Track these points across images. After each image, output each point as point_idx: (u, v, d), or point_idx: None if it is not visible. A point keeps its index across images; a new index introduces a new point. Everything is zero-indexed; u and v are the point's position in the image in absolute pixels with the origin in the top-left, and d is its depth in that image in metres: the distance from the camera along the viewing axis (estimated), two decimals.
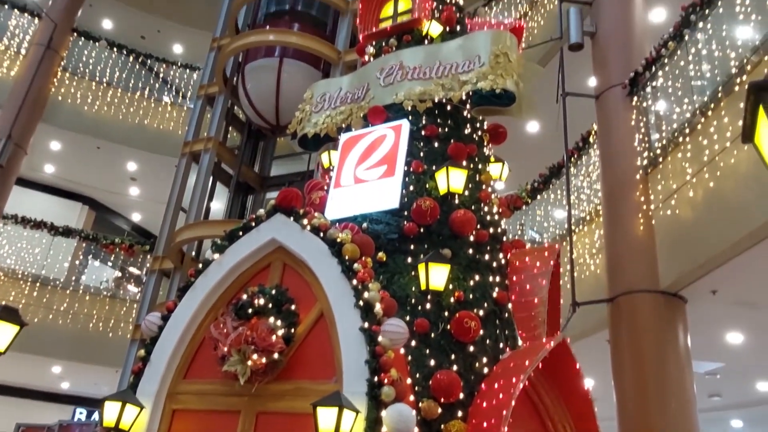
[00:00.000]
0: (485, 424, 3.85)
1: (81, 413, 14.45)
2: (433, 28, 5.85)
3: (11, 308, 4.76)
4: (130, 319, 11.79)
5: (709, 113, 5.95)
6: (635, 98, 7.09)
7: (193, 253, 10.43)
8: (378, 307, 3.48)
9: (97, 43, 13.95)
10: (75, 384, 14.67)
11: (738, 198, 5.50)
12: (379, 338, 3.34)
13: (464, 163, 5.14)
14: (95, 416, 12.91)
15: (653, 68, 6.85)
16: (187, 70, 14.74)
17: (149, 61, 14.45)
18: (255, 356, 3.51)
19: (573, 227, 7.88)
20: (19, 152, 11.15)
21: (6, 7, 13.45)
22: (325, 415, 2.97)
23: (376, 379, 3.23)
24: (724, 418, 12.22)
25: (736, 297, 6.91)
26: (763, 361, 9.18)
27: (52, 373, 13.62)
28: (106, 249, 12.57)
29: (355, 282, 3.57)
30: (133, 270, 14.20)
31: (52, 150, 14.33)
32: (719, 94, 5.81)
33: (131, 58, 14.21)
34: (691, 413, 6.01)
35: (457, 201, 4.92)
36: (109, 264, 13.68)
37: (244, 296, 3.76)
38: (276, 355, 3.53)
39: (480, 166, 5.38)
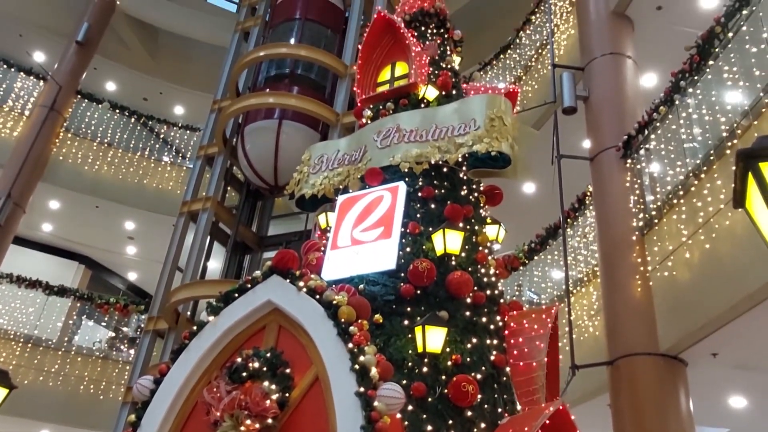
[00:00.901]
0: None
1: None
2: (430, 92, 5.98)
3: (1, 371, 4.69)
4: (122, 381, 11.57)
5: (702, 176, 6.04)
6: (629, 160, 7.20)
7: (189, 314, 10.32)
8: (374, 371, 3.42)
9: (100, 105, 14.22)
10: None
11: (734, 260, 5.51)
12: (375, 403, 3.27)
13: (461, 224, 5.16)
14: None
15: (646, 131, 6.99)
16: (188, 131, 14.99)
17: (150, 122, 14.71)
18: (248, 422, 3.44)
19: (571, 288, 7.86)
20: (18, 211, 11.21)
21: (12, 70, 13.77)
22: None
23: None
24: None
25: (737, 360, 6.83)
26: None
27: None
28: (101, 309, 12.46)
29: (350, 345, 3.53)
30: (126, 330, 14.04)
31: (50, 209, 14.38)
32: (711, 157, 5.91)
33: (133, 119, 14.47)
34: None
35: (453, 262, 4.91)
36: (103, 324, 13.53)
37: (239, 359, 3.71)
38: (270, 421, 3.45)
39: (476, 228, 5.41)
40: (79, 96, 13.81)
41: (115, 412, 9.94)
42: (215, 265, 11.68)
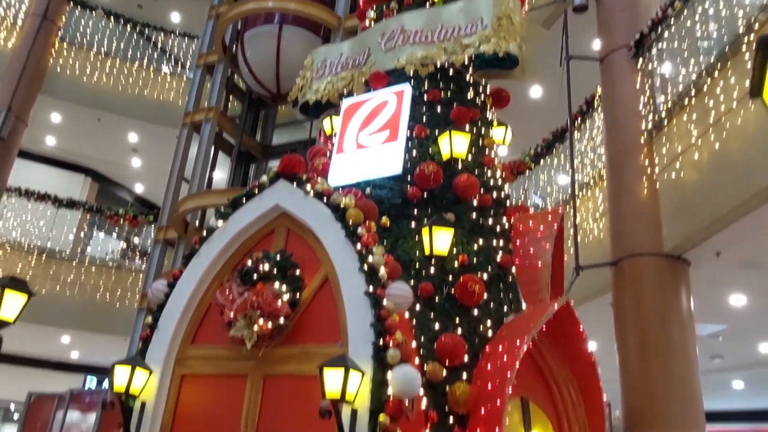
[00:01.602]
0: (490, 386, 3.90)
1: (91, 381, 14.70)
2: None
3: (19, 279, 4.78)
4: (136, 289, 11.88)
5: (716, 74, 5.87)
6: (640, 60, 6.99)
7: (197, 223, 10.45)
8: (382, 271, 3.49)
9: (93, 12, 13.78)
10: (84, 353, 14.87)
11: (744, 159, 5.46)
12: (384, 302, 3.36)
13: (467, 127, 5.11)
14: (105, 384, 13.10)
15: (659, 29, 6.75)
16: (186, 39, 14.57)
17: (147, 31, 14.28)
18: (261, 321, 3.54)
19: (576, 192, 7.85)
20: (20, 125, 11.11)
21: None
22: (332, 377, 3.00)
23: (381, 342, 3.26)
24: (726, 379, 12.35)
25: (741, 259, 6.92)
26: (766, 322, 9.24)
27: (61, 343, 13.80)
28: (111, 220, 12.59)
29: (359, 246, 3.58)
30: (137, 241, 14.26)
31: (52, 122, 14.27)
32: (726, 54, 5.73)
33: (128, 28, 14.04)
34: (693, 375, 6.06)
35: (460, 165, 4.90)
36: (114, 235, 13.73)
37: (249, 262, 3.78)
38: (282, 320, 3.56)
39: (483, 131, 5.35)
40: (71, 3, 13.36)
41: (132, 317, 10.28)
42: (221, 175, 11.71)
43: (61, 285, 12.11)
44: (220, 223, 4.13)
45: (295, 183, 4.07)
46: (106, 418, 8.50)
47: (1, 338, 4.14)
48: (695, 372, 6.09)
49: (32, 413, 10.26)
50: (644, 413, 5.86)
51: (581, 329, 4.29)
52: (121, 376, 3.59)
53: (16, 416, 14.34)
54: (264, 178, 4.21)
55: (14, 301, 4.59)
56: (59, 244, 12.80)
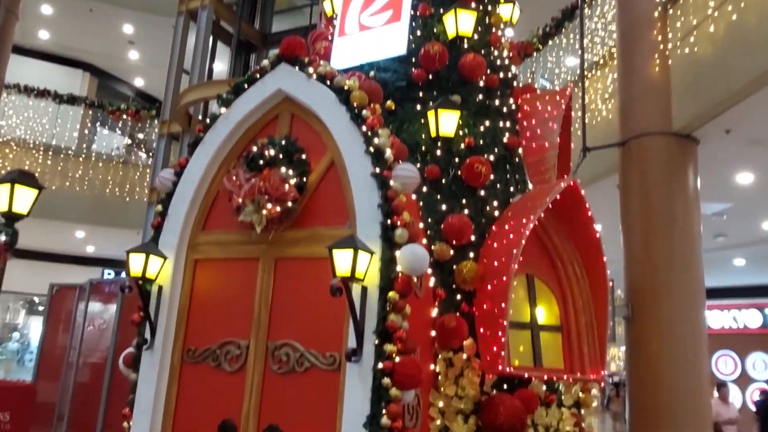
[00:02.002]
0: (496, 263, 3.99)
1: (109, 274, 15.17)
2: None
3: (27, 173, 4.81)
4: (144, 183, 11.99)
5: None
6: None
7: (200, 116, 10.36)
8: (388, 153, 3.47)
9: None
10: (99, 247, 15.26)
11: (761, 31, 5.26)
12: (391, 182, 3.37)
13: (473, 4, 4.90)
14: (123, 275, 13.51)
15: None
16: None
17: None
18: (269, 205, 3.57)
19: (585, 72, 7.65)
20: (11, 17, 10.74)
21: None
22: (341, 257, 3.07)
23: (389, 222, 3.30)
24: (728, 257, 12.60)
25: (750, 136, 6.83)
26: None
27: (76, 237, 14.12)
28: (113, 115, 12.48)
29: (364, 128, 3.54)
30: (142, 136, 14.21)
31: (43, 14, 13.81)
32: None
33: None
34: (696, 253, 6.16)
35: (466, 45, 4.75)
36: (118, 131, 13.67)
37: (254, 148, 3.76)
38: (290, 204, 3.59)
39: (490, 8, 5.13)
40: None
41: (143, 212, 10.44)
42: (221, 66, 11.45)
43: (70, 181, 12.22)
44: (222, 109, 4.07)
45: (297, 66, 3.97)
46: (127, 307, 8.84)
47: (16, 231, 4.22)
48: (698, 250, 6.19)
49: (56, 304, 10.66)
50: (646, 291, 6.03)
51: (587, 207, 4.32)
52: (136, 262, 3.68)
53: (40, 308, 14.95)
54: (265, 62, 4.10)
55: (25, 195, 4.65)
56: (64, 141, 12.79)
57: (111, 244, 14.39)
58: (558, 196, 4.17)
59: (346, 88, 3.74)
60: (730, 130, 6.48)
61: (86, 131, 13.69)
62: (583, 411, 4.36)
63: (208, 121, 4.17)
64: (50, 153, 12.33)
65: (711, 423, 5.77)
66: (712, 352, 15.76)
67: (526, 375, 3.92)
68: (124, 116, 12.76)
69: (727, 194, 8.87)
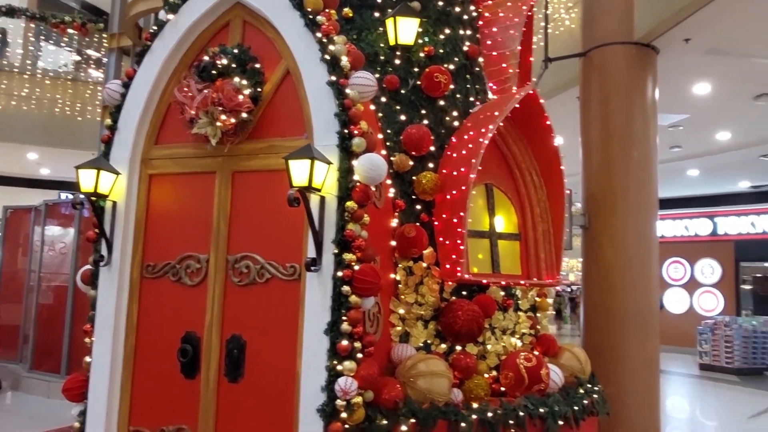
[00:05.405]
0: (455, 173, 4.00)
1: (66, 197, 14.84)
2: None
3: None
4: (97, 102, 11.56)
5: None
6: None
7: (151, 28, 9.88)
8: (345, 60, 3.37)
9: None
10: (55, 170, 14.85)
11: None
12: (347, 91, 3.29)
13: None
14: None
15: None
16: None
17: None
18: (223, 117, 3.47)
19: None
20: None
21: None
22: (298, 167, 3.02)
23: (346, 131, 3.25)
24: (683, 167, 12.92)
25: (709, 45, 6.86)
26: (725, 111, 9.44)
27: (29, 159, 13.67)
28: (58, 29, 11.79)
29: (319, 35, 3.41)
30: (91, 52, 13.56)
31: None
32: None
33: None
34: (652, 163, 6.28)
35: None
36: (64, 45, 13.00)
37: (206, 57, 3.60)
38: (244, 115, 3.49)
39: None
40: None
41: (97, 131, 10.11)
42: None
43: (17, 100, 11.69)
44: (170, 16, 3.86)
45: None
46: (86, 229, 8.71)
47: None
48: (654, 160, 6.31)
49: (11, 227, 10.45)
50: (602, 200, 6.16)
51: (546, 116, 4.32)
52: (86, 178, 3.57)
53: None
54: None
55: None
56: (7, 58, 12.11)
57: (67, 166, 13.96)
58: (517, 105, 4.15)
59: None
60: (689, 39, 6.48)
61: (30, 47, 12.97)
62: (539, 314, 4.54)
63: (155, 28, 3.96)
64: None
65: (658, 323, 6.08)
66: (663, 259, 16.51)
67: (484, 281, 4.03)
68: (70, 30, 12.07)
69: (685, 105, 9.00)
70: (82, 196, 3.71)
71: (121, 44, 9.83)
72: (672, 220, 17.12)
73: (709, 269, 16.80)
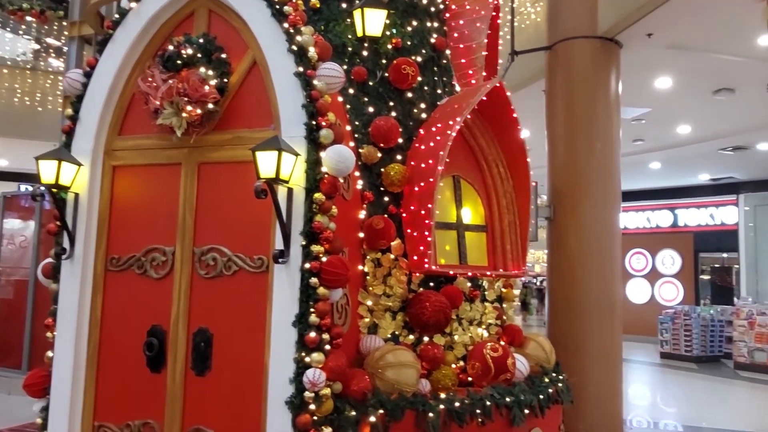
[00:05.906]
0: (423, 165, 4.03)
1: (27, 189, 14.46)
2: None
3: None
4: (57, 92, 11.27)
5: None
6: None
7: (114, 17, 9.66)
8: (312, 51, 3.35)
9: None
10: (14, 161, 14.46)
11: None
12: (315, 82, 3.27)
13: None
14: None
15: None
16: None
17: None
18: (189, 108, 3.42)
19: None
20: None
21: None
22: (265, 159, 3.00)
23: (314, 122, 3.24)
24: (645, 160, 13.20)
25: (671, 40, 7.01)
26: (686, 105, 9.67)
27: None
28: (15, 16, 11.43)
29: (286, 25, 3.39)
30: (51, 41, 13.18)
31: None
32: None
33: None
34: (615, 156, 6.40)
35: None
36: (21, 33, 12.62)
37: (170, 47, 3.55)
38: (210, 106, 3.45)
39: None
40: None
41: (58, 122, 9.85)
42: None
43: None
44: (133, 4, 3.79)
45: None
46: (47, 221, 8.51)
47: None
48: (617, 153, 6.44)
49: None
50: (567, 192, 6.27)
51: (512, 108, 4.36)
52: (47, 169, 3.49)
53: None
54: None
55: None
56: None
57: (28, 157, 13.61)
58: (484, 98, 4.19)
59: None
60: (651, 33, 6.61)
61: None
62: (505, 305, 4.60)
63: (117, 16, 3.88)
64: None
65: (621, 313, 6.21)
66: (626, 250, 16.86)
67: (452, 272, 4.07)
68: (28, 17, 11.71)
69: (647, 99, 9.18)
70: (42, 188, 3.63)
71: (82, 33, 9.58)
72: (635, 212, 17.49)
73: (670, 260, 17.22)
